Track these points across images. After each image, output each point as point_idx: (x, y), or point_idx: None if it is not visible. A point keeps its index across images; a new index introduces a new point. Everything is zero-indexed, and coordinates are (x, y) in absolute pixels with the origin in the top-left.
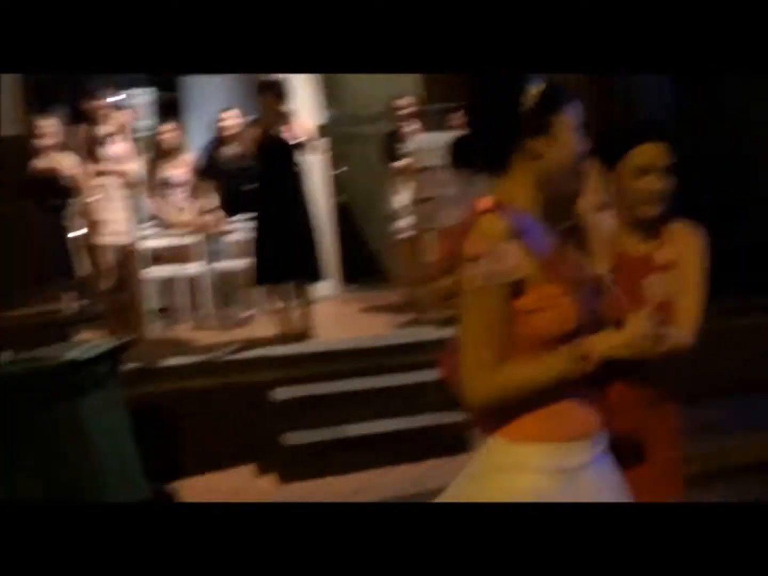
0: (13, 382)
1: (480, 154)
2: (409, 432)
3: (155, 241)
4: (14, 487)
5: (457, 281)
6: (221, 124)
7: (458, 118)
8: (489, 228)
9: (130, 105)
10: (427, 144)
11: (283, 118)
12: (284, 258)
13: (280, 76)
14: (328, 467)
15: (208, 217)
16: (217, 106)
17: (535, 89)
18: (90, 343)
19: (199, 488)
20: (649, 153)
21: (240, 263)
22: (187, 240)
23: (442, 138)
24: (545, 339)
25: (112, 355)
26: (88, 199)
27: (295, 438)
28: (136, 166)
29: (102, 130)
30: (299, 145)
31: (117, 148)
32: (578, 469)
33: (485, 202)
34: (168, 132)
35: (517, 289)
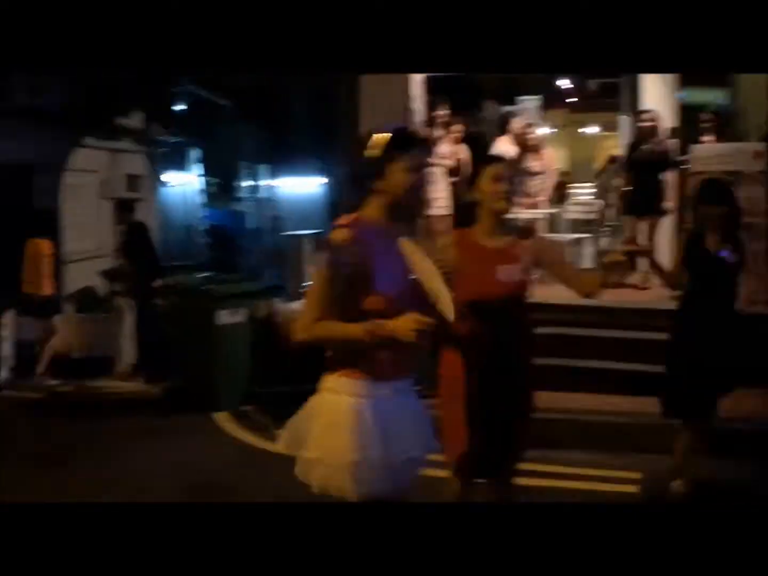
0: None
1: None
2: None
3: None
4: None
5: None
6: (640, 123)
7: None
8: (335, 236)
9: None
10: None
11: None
12: None
13: None
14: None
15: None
16: None
17: (379, 140)
18: None
19: None
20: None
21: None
22: (536, 215)
23: None
24: (366, 312)
25: None
26: None
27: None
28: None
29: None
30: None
31: (444, 147)
32: (379, 397)
33: (342, 219)
34: (531, 132)
35: (354, 276)
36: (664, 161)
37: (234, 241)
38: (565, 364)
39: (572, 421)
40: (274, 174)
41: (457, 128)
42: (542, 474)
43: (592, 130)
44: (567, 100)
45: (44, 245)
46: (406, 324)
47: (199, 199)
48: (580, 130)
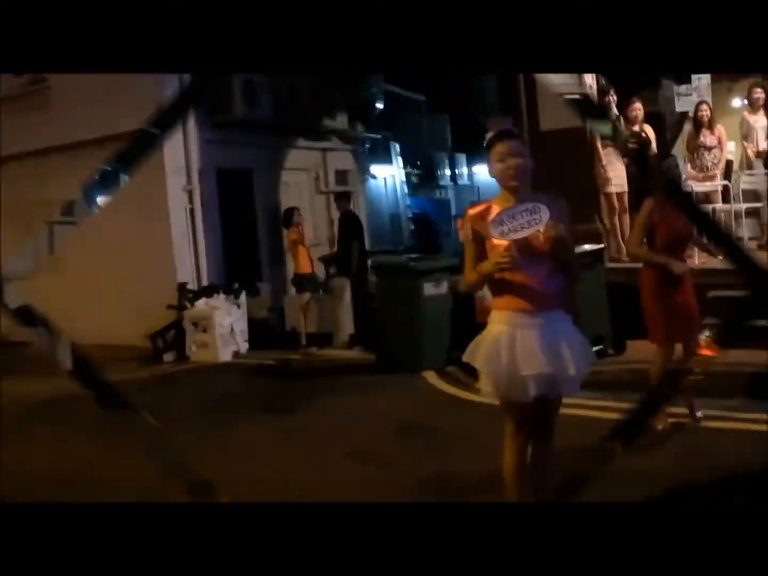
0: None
1: None
2: None
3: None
4: None
5: None
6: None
7: None
8: (466, 216)
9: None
10: None
11: None
12: None
13: None
14: None
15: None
16: None
17: (486, 137)
18: None
19: None
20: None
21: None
22: (711, 187)
23: None
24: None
25: None
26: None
27: None
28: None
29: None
30: None
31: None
32: (524, 326)
33: (475, 204)
34: (705, 110)
35: (483, 241)
36: None
37: (436, 226)
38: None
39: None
40: (470, 162)
41: (636, 107)
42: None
43: None
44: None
45: (292, 234)
46: (490, 259)
47: (402, 189)
48: None
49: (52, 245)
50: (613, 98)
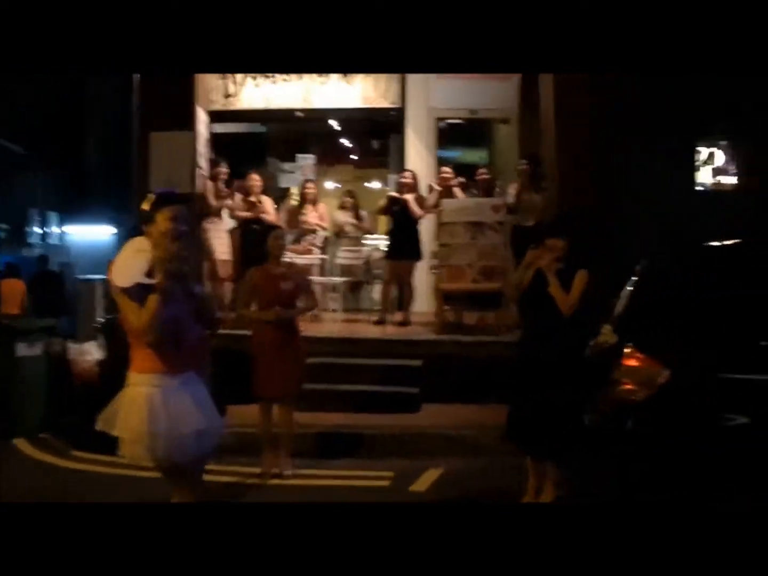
0: None
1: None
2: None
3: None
4: None
5: None
6: (401, 180)
7: None
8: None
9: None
10: None
11: None
12: None
13: None
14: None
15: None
16: None
17: (149, 199)
18: None
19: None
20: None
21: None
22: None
23: None
24: None
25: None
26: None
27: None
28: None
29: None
30: None
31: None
32: (163, 386)
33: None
34: (310, 188)
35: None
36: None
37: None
38: (333, 389)
39: (338, 434)
40: (64, 221)
41: (254, 178)
42: (316, 476)
43: (375, 185)
44: (351, 157)
45: None
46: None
47: None
48: (364, 185)
49: None
50: (224, 170)
